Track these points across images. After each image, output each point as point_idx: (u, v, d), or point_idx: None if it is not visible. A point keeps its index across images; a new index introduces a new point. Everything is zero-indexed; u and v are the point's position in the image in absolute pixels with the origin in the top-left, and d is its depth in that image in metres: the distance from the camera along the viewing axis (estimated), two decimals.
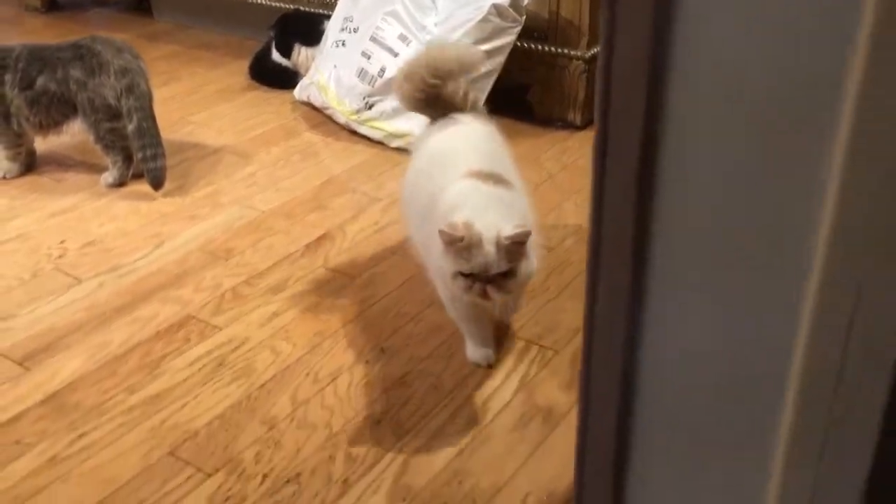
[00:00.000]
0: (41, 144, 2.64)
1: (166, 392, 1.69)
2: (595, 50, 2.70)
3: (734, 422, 0.67)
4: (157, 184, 2.43)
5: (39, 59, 2.42)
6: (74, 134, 2.51)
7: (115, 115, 2.41)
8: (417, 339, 1.83)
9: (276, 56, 3.21)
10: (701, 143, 0.59)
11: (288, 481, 1.47)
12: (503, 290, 1.47)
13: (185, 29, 3.95)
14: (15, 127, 2.48)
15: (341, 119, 2.83)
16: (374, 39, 2.75)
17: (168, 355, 1.79)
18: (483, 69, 2.48)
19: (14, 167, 2.57)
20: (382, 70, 2.71)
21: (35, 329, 1.89)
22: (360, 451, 1.53)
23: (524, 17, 2.66)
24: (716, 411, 0.69)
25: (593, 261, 0.66)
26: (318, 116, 2.96)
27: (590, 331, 0.71)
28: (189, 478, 1.48)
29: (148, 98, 2.45)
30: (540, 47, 2.76)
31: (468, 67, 1.84)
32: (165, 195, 2.45)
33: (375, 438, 1.56)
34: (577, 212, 2.28)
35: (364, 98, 2.74)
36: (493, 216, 1.46)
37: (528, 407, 1.63)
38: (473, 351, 1.74)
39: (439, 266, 1.52)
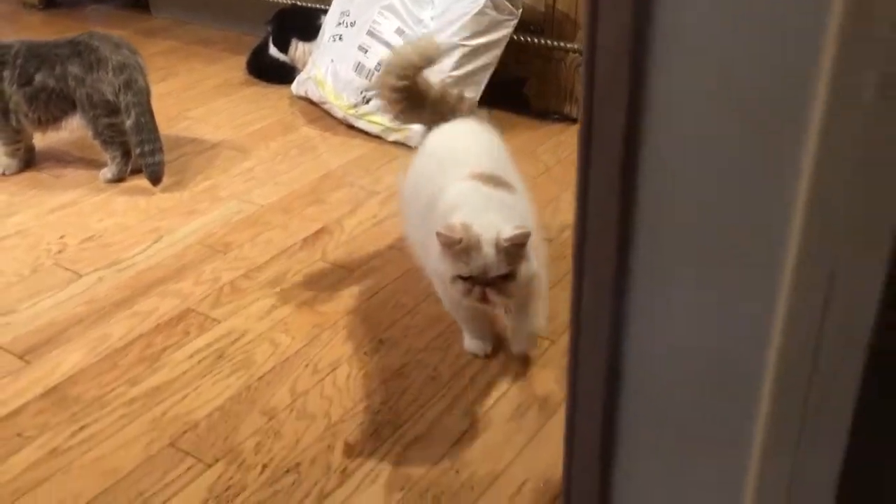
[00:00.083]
0: (40, 141, 2.66)
1: (166, 384, 1.71)
2: None
3: (715, 413, 0.69)
4: (155, 179, 2.45)
5: (37, 55, 2.43)
6: (73, 130, 2.53)
7: (113, 110, 2.42)
8: (415, 330, 1.84)
9: (273, 51, 3.22)
10: (682, 133, 0.61)
11: (287, 471, 1.49)
12: (503, 294, 1.43)
13: (182, 25, 3.97)
14: (14, 123, 2.49)
15: (339, 113, 2.85)
16: (370, 33, 2.77)
17: (168, 348, 1.81)
18: (447, 57, 2.52)
19: (13, 163, 2.59)
20: (379, 64, 2.72)
21: (35, 323, 1.90)
22: (358, 440, 1.55)
23: (520, 11, 2.67)
24: (697, 403, 0.70)
25: (579, 254, 0.68)
26: (316, 111, 2.97)
27: (576, 324, 0.73)
28: (189, 468, 1.50)
29: (146, 93, 2.46)
30: (536, 40, 2.77)
31: (429, 56, 1.81)
32: (164, 190, 2.47)
33: (374, 428, 1.58)
34: (573, 205, 2.30)
35: (361, 92, 2.76)
36: (491, 217, 1.43)
37: (524, 396, 1.65)
38: (470, 342, 1.76)
39: (436, 268, 1.49)
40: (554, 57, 2.77)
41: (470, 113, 1.86)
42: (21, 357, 1.79)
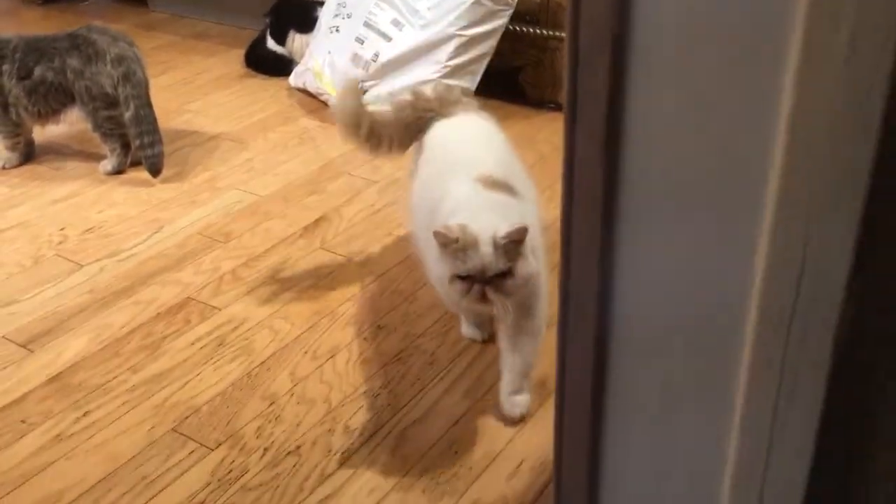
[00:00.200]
0: (39, 134, 2.67)
1: (168, 371, 1.73)
2: None
3: (699, 367, 0.71)
4: (155, 170, 2.46)
5: (36, 49, 2.45)
6: (72, 123, 2.55)
7: (112, 103, 2.44)
8: (413, 316, 1.86)
9: (270, 44, 3.24)
10: (662, 91, 0.63)
11: (289, 454, 1.51)
12: (502, 292, 1.41)
13: (179, 19, 3.98)
14: (13, 117, 2.51)
15: None
16: (367, 25, 2.78)
17: (169, 336, 1.83)
18: (444, 46, 2.52)
19: (13, 157, 2.60)
20: (376, 55, 2.74)
21: (38, 313, 1.92)
22: (358, 423, 1.57)
23: (515, 1, 2.69)
24: (682, 359, 0.72)
25: (567, 217, 0.70)
26: (314, 102, 2.99)
27: (565, 283, 0.75)
28: (192, 452, 1.52)
29: (144, 86, 2.48)
30: (531, 30, 2.78)
31: (355, 94, 1.81)
32: (164, 181, 2.48)
33: (373, 411, 1.60)
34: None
35: (358, 83, 2.77)
36: (488, 217, 1.41)
37: None
38: (467, 328, 1.78)
39: (434, 268, 1.47)
40: (549, 46, 2.78)
41: (473, 107, 1.83)
42: (24, 346, 1.81)
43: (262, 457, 1.51)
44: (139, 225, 2.27)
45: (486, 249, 1.37)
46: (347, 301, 1.92)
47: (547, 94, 2.85)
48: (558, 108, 2.84)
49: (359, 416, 1.59)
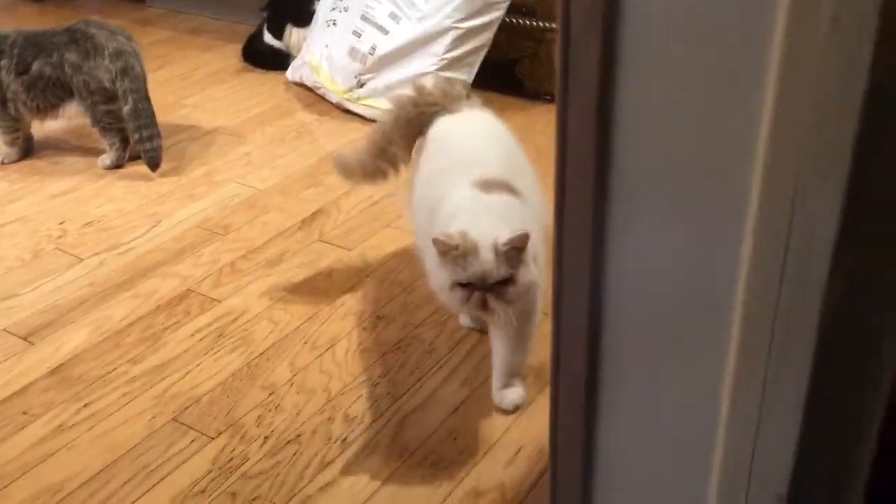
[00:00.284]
0: (37, 130, 2.68)
1: (168, 362, 1.74)
2: None
3: (691, 335, 0.72)
4: (154, 164, 2.47)
5: (34, 44, 2.46)
6: (71, 118, 2.56)
7: (110, 97, 2.44)
8: (412, 306, 1.87)
9: (267, 38, 3.24)
10: (651, 69, 0.64)
11: (289, 442, 1.52)
12: (503, 300, 1.37)
13: (176, 14, 3.98)
14: (12, 112, 2.51)
15: (334, 98, 2.87)
16: (364, 18, 2.79)
17: (169, 328, 1.84)
18: (441, 39, 2.53)
19: (12, 152, 2.61)
20: (373, 48, 2.74)
21: (38, 306, 1.93)
22: (358, 412, 1.58)
23: None
24: (674, 328, 0.73)
25: (560, 190, 0.71)
26: (311, 96, 2.99)
27: (558, 272, 0.76)
28: (193, 441, 1.53)
29: (142, 80, 2.49)
30: (528, 22, 2.79)
31: (355, 161, 1.84)
32: (162, 175, 2.49)
33: (373, 400, 1.61)
34: None
35: (356, 76, 2.78)
36: (489, 223, 1.38)
37: None
38: (465, 317, 1.79)
39: (432, 274, 1.44)
40: (546, 38, 2.79)
41: (477, 103, 1.79)
42: (25, 339, 1.82)
43: (262, 445, 1.52)
44: (138, 219, 2.28)
45: (487, 256, 1.34)
46: (346, 292, 1.93)
47: (544, 86, 2.86)
48: (555, 99, 2.84)
49: (358, 405, 1.60)
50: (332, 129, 2.77)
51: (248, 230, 2.20)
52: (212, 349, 1.77)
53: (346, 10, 2.87)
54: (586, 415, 0.81)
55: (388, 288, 1.94)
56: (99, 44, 2.42)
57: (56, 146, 2.71)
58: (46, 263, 2.10)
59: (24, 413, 1.62)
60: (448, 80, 1.93)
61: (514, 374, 1.58)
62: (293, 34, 3.18)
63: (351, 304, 1.89)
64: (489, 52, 2.73)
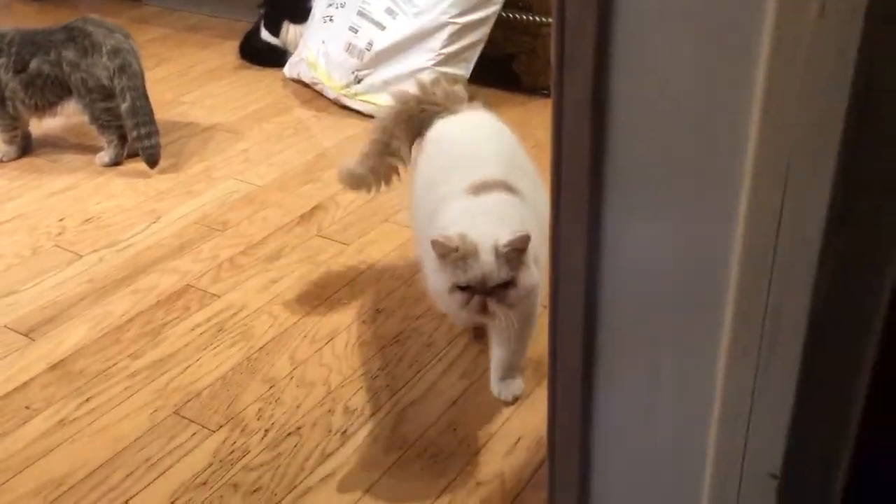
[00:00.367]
0: (36, 128, 2.69)
1: (169, 357, 1.75)
2: None
3: (684, 321, 0.73)
4: (152, 161, 2.48)
5: (32, 42, 2.47)
6: (69, 115, 2.57)
7: (108, 94, 2.45)
8: (411, 300, 1.88)
9: (265, 35, 3.25)
10: (645, 61, 0.65)
11: (289, 434, 1.53)
12: (504, 303, 1.34)
13: (173, 12, 3.99)
14: (10, 110, 2.52)
15: (331, 94, 2.88)
16: (361, 14, 2.80)
17: (169, 323, 1.85)
18: (437, 34, 2.54)
19: (11, 150, 2.62)
20: (370, 44, 2.75)
21: (38, 303, 1.94)
22: (357, 404, 1.59)
23: None
24: (667, 313, 0.75)
25: (556, 182, 0.72)
26: (309, 92, 3.00)
27: (555, 264, 0.77)
28: (194, 434, 1.54)
29: (140, 77, 2.49)
30: (524, 17, 2.80)
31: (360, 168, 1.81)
32: (161, 172, 2.50)
33: (372, 393, 1.62)
34: None
35: (353, 72, 2.79)
36: (488, 225, 1.35)
37: None
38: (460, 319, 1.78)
39: (431, 276, 1.41)
40: (542, 33, 2.80)
41: (478, 104, 1.78)
42: (26, 335, 1.83)
43: (263, 438, 1.53)
44: (137, 215, 2.29)
45: (488, 258, 1.31)
46: (345, 286, 1.94)
47: (541, 81, 2.87)
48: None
49: (358, 398, 1.61)
50: (329, 125, 2.78)
51: (247, 226, 2.21)
52: (212, 343, 1.78)
53: (342, 6, 2.88)
54: (583, 406, 0.82)
55: (386, 282, 1.95)
56: (97, 41, 2.43)
57: (54, 144, 2.72)
58: (46, 260, 2.11)
59: (27, 408, 1.63)
60: (451, 81, 1.91)
61: (513, 367, 1.59)
62: (290, 31, 3.19)
63: (350, 297, 1.91)
64: (486, 48, 2.74)
